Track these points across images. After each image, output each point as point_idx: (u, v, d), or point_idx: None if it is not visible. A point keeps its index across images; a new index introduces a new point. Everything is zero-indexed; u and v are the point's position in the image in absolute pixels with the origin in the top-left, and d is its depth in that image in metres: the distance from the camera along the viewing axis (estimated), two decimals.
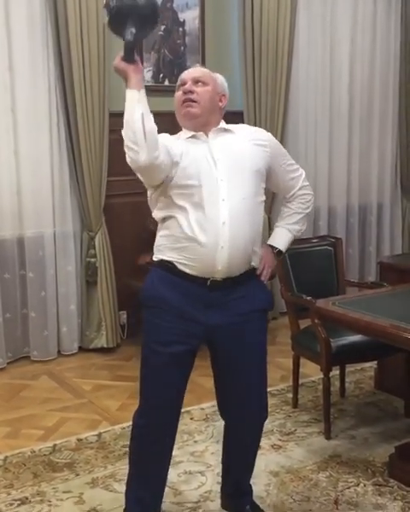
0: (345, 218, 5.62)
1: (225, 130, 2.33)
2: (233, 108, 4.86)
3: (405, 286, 3.32)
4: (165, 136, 2.23)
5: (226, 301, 2.26)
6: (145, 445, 2.37)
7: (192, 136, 2.28)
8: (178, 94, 2.30)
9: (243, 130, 2.37)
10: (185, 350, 2.27)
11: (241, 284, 2.28)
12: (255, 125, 4.87)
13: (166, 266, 2.26)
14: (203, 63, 4.83)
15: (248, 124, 4.84)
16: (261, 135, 2.38)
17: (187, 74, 2.31)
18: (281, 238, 2.49)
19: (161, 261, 2.28)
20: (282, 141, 5.03)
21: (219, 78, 2.36)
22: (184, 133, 2.30)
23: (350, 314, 2.84)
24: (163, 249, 2.28)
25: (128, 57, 2.09)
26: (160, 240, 2.31)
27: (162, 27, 4.65)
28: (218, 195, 2.20)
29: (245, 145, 2.31)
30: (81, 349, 4.54)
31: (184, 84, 2.29)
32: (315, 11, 5.19)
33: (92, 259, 4.43)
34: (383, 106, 5.69)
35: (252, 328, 2.32)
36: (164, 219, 2.28)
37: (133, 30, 2.06)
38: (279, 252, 2.47)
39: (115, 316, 4.54)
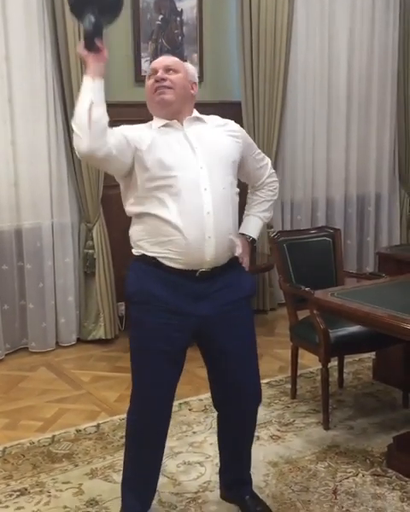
0: (343, 209, 5.62)
1: (198, 118, 2.33)
2: (231, 99, 4.88)
3: (403, 276, 3.32)
4: (127, 127, 2.23)
5: (214, 291, 2.26)
6: (139, 439, 2.37)
7: (165, 125, 2.26)
8: (150, 82, 2.28)
9: (214, 121, 2.37)
10: (177, 344, 2.26)
11: (227, 272, 2.28)
12: (253, 115, 4.87)
13: (150, 261, 2.23)
14: (201, 53, 4.82)
15: (247, 114, 4.85)
16: (233, 126, 2.39)
17: (157, 63, 2.30)
18: (253, 226, 2.51)
19: (144, 256, 2.25)
20: (280, 131, 5.03)
21: (190, 66, 2.37)
22: (156, 122, 2.28)
23: (348, 305, 2.84)
24: (144, 245, 2.25)
25: (88, 45, 2.07)
26: (138, 234, 2.28)
27: (160, 17, 4.62)
28: (199, 184, 2.19)
29: (220, 135, 2.32)
30: (79, 340, 4.54)
31: (155, 72, 2.27)
32: (314, 0, 5.16)
33: (90, 251, 4.42)
34: (382, 96, 5.68)
35: (240, 315, 2.33)
36: (140, 214, 2.25)
37: (92, 18, 2.04)
38: (253, 240, 2.49)
39: (113, 307, 4.54)
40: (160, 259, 2.22)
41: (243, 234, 2.46)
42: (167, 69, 2.27)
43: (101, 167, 2.18)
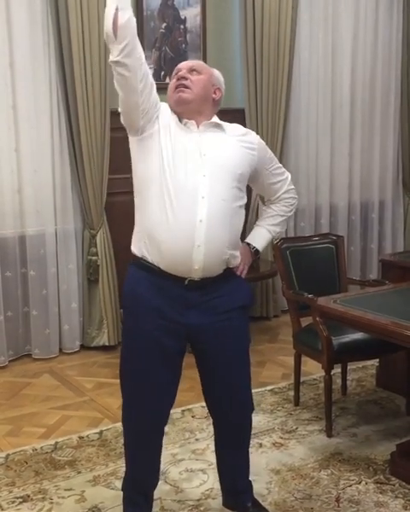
0: (347, 216, 5.61)
1: (217, 125, 2.31)
2: (234, 106, 4.89)
3: (407, 284, 3.32)
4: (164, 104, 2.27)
5: (205, 301, 2.25)
6: (136, 447, 2.37)
7: (184, 123, 2.26)
8: (173, 81, 2.31)
9: (234, 130, 2.35)
10: (168, 349, 2.25)
11: (219, 284, 2.26)
12: (257, 122, 4.88)
13: (143, 264, 2.24)
14: (204, 60, 4.81)
15: (250, 121, 4.86)
16: (251, 138, 2.37)
17: (183, 63, 2.35)
18: (260, 238, 2.50)
19: (137, 258, 2.26)
20: (283, 138, 5.04)
21: (216, 72, 2.39)
22: (178, 118, 2.28)
23: (352, 312, 2.84)
24: (138, 243, 2.26)
25: None
26: (136, 236, 2.29)
27: (163, 25, 4.64)
28: (198, 191, 2.18)
29: (234, 146, 2.30)
30: (83, 347, 4.54)
31: (178, 71, 2.31)
32: (317, 7, 5.18)
33: (94, 257, 4.43)
34: (385, 103, 5.68)
35: (233, 326, 2.31)
36: (139, 207, 2.27)
37: None
38: (256, 251, 2.47)
39: (117, 314, 4.54)
40: (149, 258, 2.21)
41: (248, 243, 2.45)
42: (191, 70, 2.30)
43: (124, 83, 2.13)
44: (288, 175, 2.53)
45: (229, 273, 2.30)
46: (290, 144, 5.20)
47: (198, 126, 2.27)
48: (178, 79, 2.28)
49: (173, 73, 2.34)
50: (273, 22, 4.80)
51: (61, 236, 4.39)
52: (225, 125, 2.33)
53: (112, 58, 2.09)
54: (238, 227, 2.30)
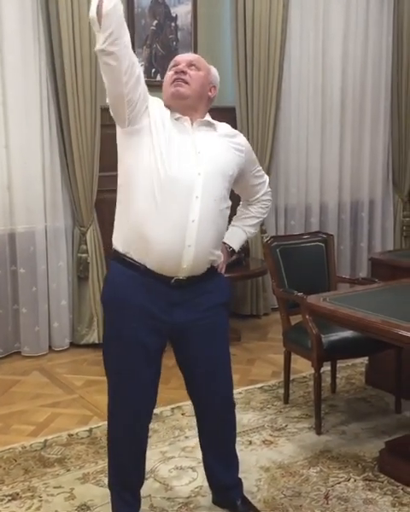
0: (337, 215, 5.63)
1: (209, 123, 2.30)
2: (225, 104, 4.88)
3: (396, 282, 3.33)
4: (156, 99, 2.22)
5: (189, 299, 2.25)
6: (121, 445, 2.37)
7: (177, 119, 2.23)
8: (170, 73, 2.26)
9: (224, 129, 2.34)
10: (150, 346, 2.25)
11: (202, 282, 2.26)
12: (248, 121, 4.88)
13: (127, 261, 2.21)
14: None
15: (241, 120, 4.86)
16: (240, 139, 2.38)
17: (182, 57, 2.30)
18: (237, 238, 2.51)
19: (120, 255, 2.22)
20: (274, 137, 5.04)
21: (214, 69, 2.36)
22: (170, 112, 2.23)
23: (341, 310, 2.85)
24: (121, 239, 2.22)
25: None
26: (120, 232, 2.24)
27: (154, 22, 4.63)
28: (192, 191, 2.16)
29: (225, 146, 2.29)
30: (72, 345, 4.53)
31: (177, 64, 2.26)
32: (308, 6, 5.19)
33: (84, 255, 4.42)
34: (375, 102, 5.70)
35: (215, 322, 2.33)
36: (126, 201, 2.21)
37: None
38: (232, 251, 2.49)
39: None
40: (135, 257, 2.18)
41: (224, 242, 2.44)
42: (190, 64, 2.25)
43: (109, 72, 2.06)
44: (267, 178, 2.57)
45: (211, 271, 2.30)
46: (281, 143, 5.21)
47: (192, 123, 2.25)
48: (176, 73, 2.23)
49: (171, 65, 2.28)
50: (264, 20, 4.81)
51: (51, 234, 4.38)
52: (217, 123, 2.32)
53: (97, 46, 2.02)
54: (224, 228, 2.33)
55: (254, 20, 4.77)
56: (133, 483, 2.43)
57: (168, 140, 2.17)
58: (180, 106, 2.23)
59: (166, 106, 2.25)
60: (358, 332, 3.07)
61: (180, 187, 2.15)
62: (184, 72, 2.22)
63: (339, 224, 5.66)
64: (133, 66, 2.08)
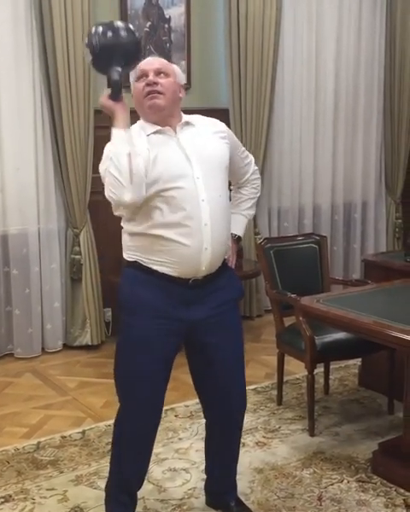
0: (330, 216, 5.63)
1: (188, 123, 2.29)
2: (218, 106, 4.90)
3: (389, 283, 3.34)
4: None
5: (205, 295, 2.26)
6: (128, 447, 2.36)
7: (157, 132, 2.22)
8: (140, 85, 2.22)
9: (201, 122, 2.33)
10: (166, 349, 2.26)
11: (217, 278, 2.28)
12: (241, 122, 4.89)
13: (143, 267, 2.22)
14: (189, 60, 4.83)
15: (234, 121, 4.87)
16: (220, 127, 2.36)
17: (148, 65, 2.23)
18: (240, 224, 2.51)
19: (137, 263, 2.23)
20: (267, 138, 5.05)
21: (177, 68, 2.32)
22: (148, 127, 2.22)
23: (334, 311, 2.86)
24: (138, 250, 2.23)
25: (116, 96, 2.08)
26: (132, 240, 2.25)
27: (148, 24, 4.63)
28: (197, 196, 2.17)
29: (210, 139, 2.28)
30: (65, 346, 4.52)
31: (145, 75, 2.21)
32: (301, 9, 5.19)
33: (77, 256, 4.41)
34: (368, 104, 5.71)
35: (230, 317, 2.34)
36: (133, 218, 2.22)
37: (119, 69, 2.04)
38: (239, 238, 2.50)
39: (100, 313, 4.53)
40: (154, 267, 2.20)
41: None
42: (158, 72, 2.21)
43: (131, 211, 2.18)
44: (251, 157, 2.55)
45: (223, 266, 2.32)
46: (274, 145, 5.21)
47: (174, 130, 2.24)
48: (148, 85, 2.19)
49: (138, 76, 2.23)
50: (258, 22, 4.81)
51: (44, 235, 4.37)
52: (192, 119, 2.31)
53: (126, 201, 2.06)
54: (230, 218, 2.34)
55: (247, 22, 4.78)
56: (133, 485, 2.43)
57: (160, 159, 2.15)
58: (159, 117, 2.22)
59: (145, 120, 2.24)
60: (351, 333, 3.08)
61: (185, 197, 2.15)
62: (156, 83, 2.19)
63: (332, 226, 5.67)
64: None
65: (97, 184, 4.61)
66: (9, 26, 4.06)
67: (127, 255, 2.28)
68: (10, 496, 2.71)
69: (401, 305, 3.02)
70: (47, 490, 2.76)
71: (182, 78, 2.32)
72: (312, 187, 5.48)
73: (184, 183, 2.16)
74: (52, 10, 4.04)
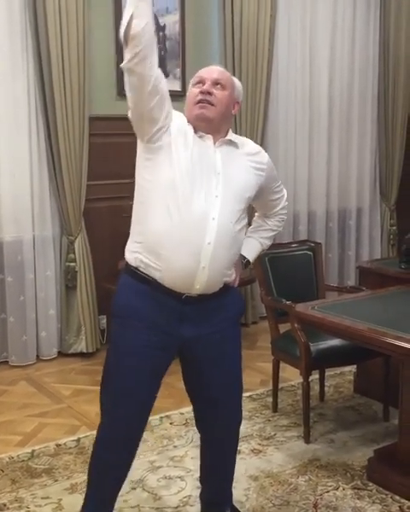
0: (325, 223, 5.65)
1: (232, 142, 2.22)
2: None
3: (384, 290, 3.35)
4: (180, 115, 2.16)
5: (200, 313, 2.21)
6: (106, 459, 2.30)
7: (201, 136, 2.16)
8: (194, 91, 2.17)
9: (246, 147, 2.27)
10: (156, 362, 2.21)
11: (214, 298, 2.21)
12: (235, 129, 4.89)
13: (139, 275, 2.17)
14: (183, 68, 4.83)
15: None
16: (262, 158, 2.31)
17: (207, 73, 2.18)
18: (253, 250, 2.47)
19: (132, 268, 2.19)
20: (262, 145, 4.98)
21: (238, 83, 2.26)
22: (193, 128, 2.17)
23: (329, 318, 2.86)
24: (141, 247, 2.16)
25: None
26: (134, 246, 2.20)
27: None
28: (209, 212, 2.11)
29: (245, 166, 2.23)
30: (60, 354, 4.51)
31: (202, 81, 2.17)
32: (295, 16, 5.22)
33: (72, 264, 4.41)
34: (363, 111, 5.74)
35: (227, 336, 2.29)
36: (140, 218, 2.17)
37: None
38: (248, 262, 2.45)
39: (95, 320, 4.53)
40: (151, 272, 2.14)
41: (241, 254, 2.38)
42: (216, 83, 2.15)
43: (132, 90, 2.03)
44: (285, 192, 2.52)
45: (224, 287, 2.25)
46: (269, 151, 5.10)
47: (214, 142, 2.19)
48: (201, 93, 2.14)
49: (195, 81, 2.20)
50: (252, 30, 4.83)
51: (39, 243, 4.36)
52: (238, 139, 2.26)
53: (122, 63, 1.99)
54: (239, 248, 2.27)
55: (241, 29, 4.80)
56: (109, 502, 2.36)
57: (188, 160, 2.10)
58: (204, 127, 2.17)
59: (189, 121, 2.19)
60: (346, 340, 3.08)
61: (197, 208, 2.10)
62: (209, 93, 2.13)
63: (327, 233, 5.68)
64: (158, 86, 2.02)
65: (92, 191, 4.60)
66: (4, 34, 4.05)
67: (129, 253, 2.22)
68: (5, 505, 2.70)
69: (395, 311, 3.02)
70: (42, 498, 2.74)
71: (239, 95, 2.25)
72: (306, 193, 5.50)
73: (200, 195, 2.10)
74: (47, 17, 4.03)
